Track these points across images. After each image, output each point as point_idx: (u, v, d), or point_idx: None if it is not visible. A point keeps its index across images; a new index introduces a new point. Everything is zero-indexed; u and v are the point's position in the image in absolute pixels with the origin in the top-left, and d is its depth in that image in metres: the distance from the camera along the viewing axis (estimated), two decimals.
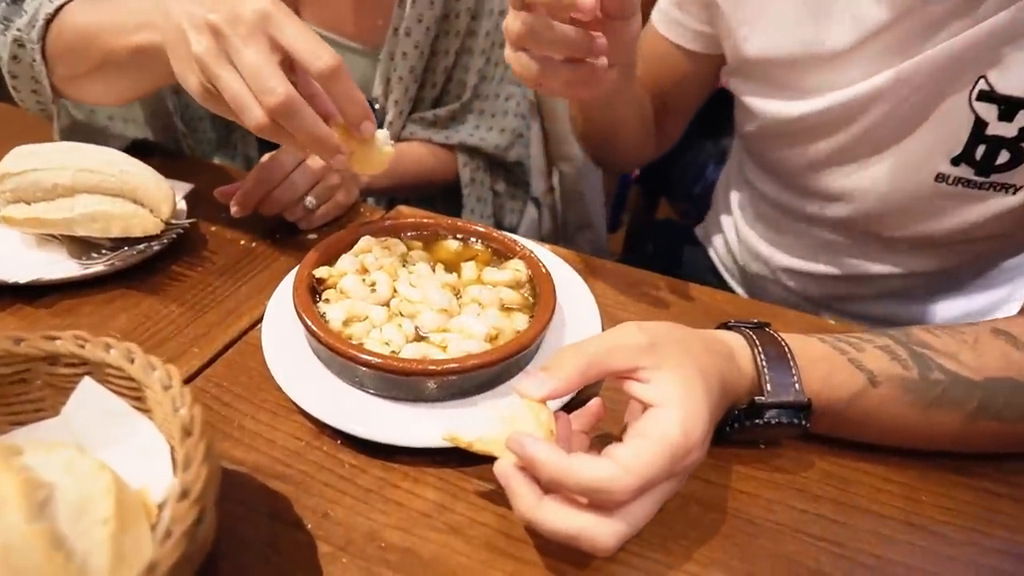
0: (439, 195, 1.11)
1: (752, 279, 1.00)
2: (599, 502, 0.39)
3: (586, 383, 0.46)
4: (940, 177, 0.70)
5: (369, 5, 0.95)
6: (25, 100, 0.79)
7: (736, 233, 1.02)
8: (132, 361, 0.40)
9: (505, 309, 0.61)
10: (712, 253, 1.10)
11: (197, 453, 0.35)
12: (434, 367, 0.51)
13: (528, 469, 0.41)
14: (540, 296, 0.61)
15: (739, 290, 1.05)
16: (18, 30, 0.72)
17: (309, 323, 0.54)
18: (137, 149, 0.92)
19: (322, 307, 0.58)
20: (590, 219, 1.37)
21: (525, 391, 0.45)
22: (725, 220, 1.05)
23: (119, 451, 0.41)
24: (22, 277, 0.63)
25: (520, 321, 0.59)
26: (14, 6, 0.75)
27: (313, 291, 0.60)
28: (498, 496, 0.50)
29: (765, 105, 0.80)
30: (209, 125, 1.04)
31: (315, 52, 0.52)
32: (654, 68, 0.89)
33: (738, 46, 0.78)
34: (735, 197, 1.02)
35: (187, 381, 0.58)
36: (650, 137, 0.92)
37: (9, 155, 0.67)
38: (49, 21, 0.70)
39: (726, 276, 1.08)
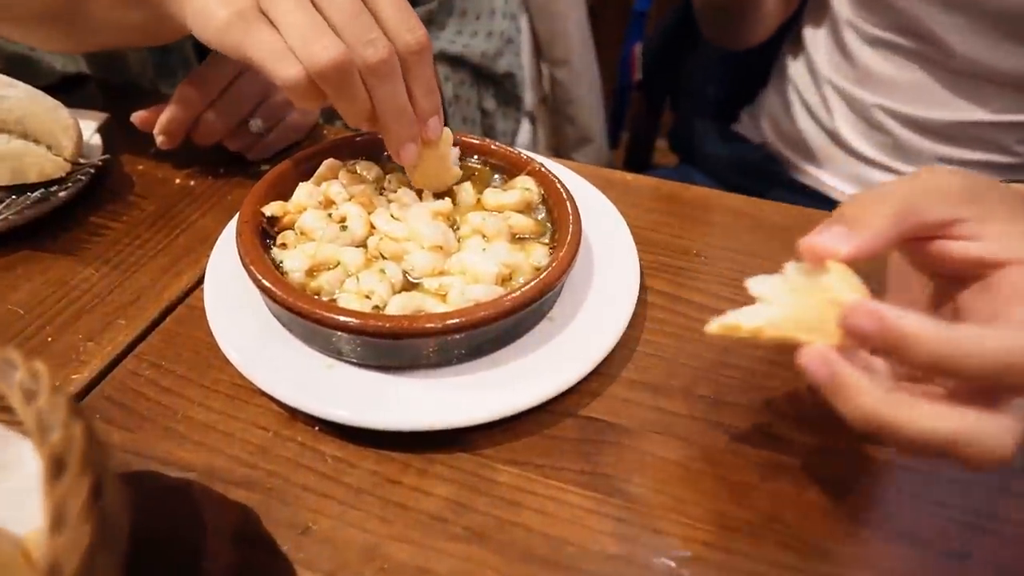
0: None
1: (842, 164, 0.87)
2: (995, 388, 0.29)
3: (900, 239, 0.34)
4: None
5: None
6: None
7: (823, 106, 0.86)
8: None
9: (517, 240, 0.47)
10: (778, 149, 0.95)
11: (75, 499, 0.22)
12: (433, 324, 0.38)
13: (885, 348, 0.30)
14: (559, 220, 0.47)
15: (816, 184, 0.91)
16: None
17: (260, 277, 0.40)
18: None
19: (277, 254, 0.44)
20: (590, 132, 1.22)
21: (825, 247, 0.33)
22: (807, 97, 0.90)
23: None
24: None
25: (538, 253, 0.45)
26: None
27: (265, 235, 0.45)
28: (532, 483, 0.38)
29: None
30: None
31: (407, 22, 0.42)
32: None
33: None
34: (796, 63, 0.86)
35: (115, 363, 0.45)
36: None
37: None
38: None
39: (795, 175, 0.94)
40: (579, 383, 0.42)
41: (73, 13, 0.52)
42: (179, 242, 0.55)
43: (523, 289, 0.41)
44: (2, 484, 0.28)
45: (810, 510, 0.38)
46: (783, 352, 0.46)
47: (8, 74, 0.56)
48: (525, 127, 1.10)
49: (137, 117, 0.60)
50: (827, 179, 0.91)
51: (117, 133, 0.63)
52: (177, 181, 0.62)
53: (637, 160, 1.35)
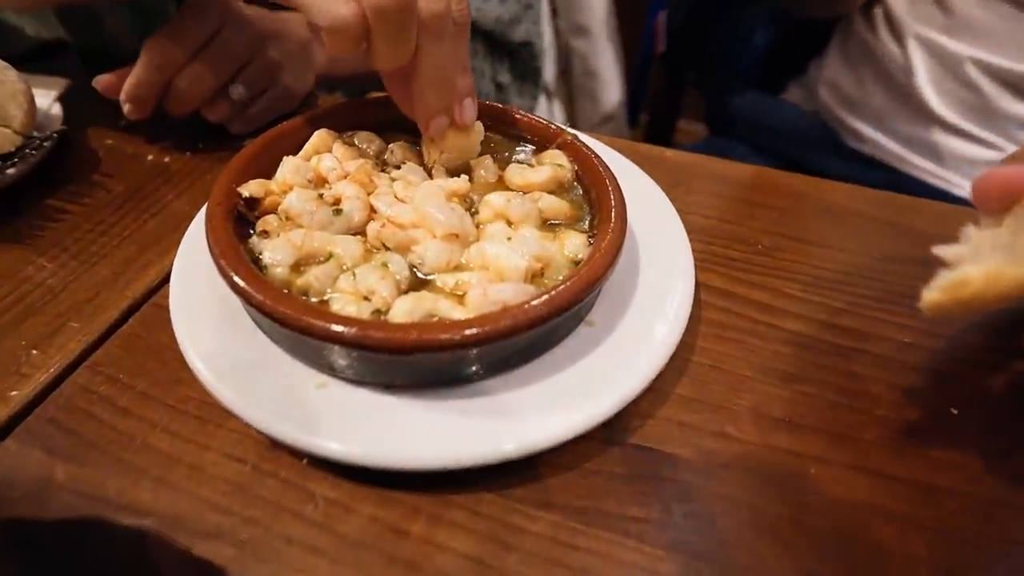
0: None
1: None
2: None
3: None
4: None
5: None
6: None
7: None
8: None
9: (548, 226, 0.39)
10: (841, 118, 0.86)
11: None
12: (449, 335, 0.30)
13: None
14: (599, 201, 0.39)
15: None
16: None
17: (232, 274, 0.32)
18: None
19: (256, 244, 0.36)
20: (610, 108, 1.13)
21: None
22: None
23: None
24: None
25: (575, 243, 0.37)
26: None
27: (242, 221, 0.37)
28: (577, 532, 0.30)
29: None
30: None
31: None
32: None
33: None
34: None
35: (63, 375, 0.37)
36: None
37: None
38: None
39: (856, 144, 0.84)
40: (627, 405, 0.34)
41: None
42: (148, 228, 0.47)
43: (559, 288, 0.32)
44: None
45: (917, 567, 0.30)
46: (872, 363, 0.39)
47: None
48: (542, 104, 1.02)
49: (100, 81, 0.52)
50: (896, 147, 0.82)
51: (83, 103, 0.55)
52: (149, 158, 0.54)
53: (658, 140, 1.26)
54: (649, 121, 1.38)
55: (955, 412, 0.37)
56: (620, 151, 0.50)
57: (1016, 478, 0.33)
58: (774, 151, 0.90)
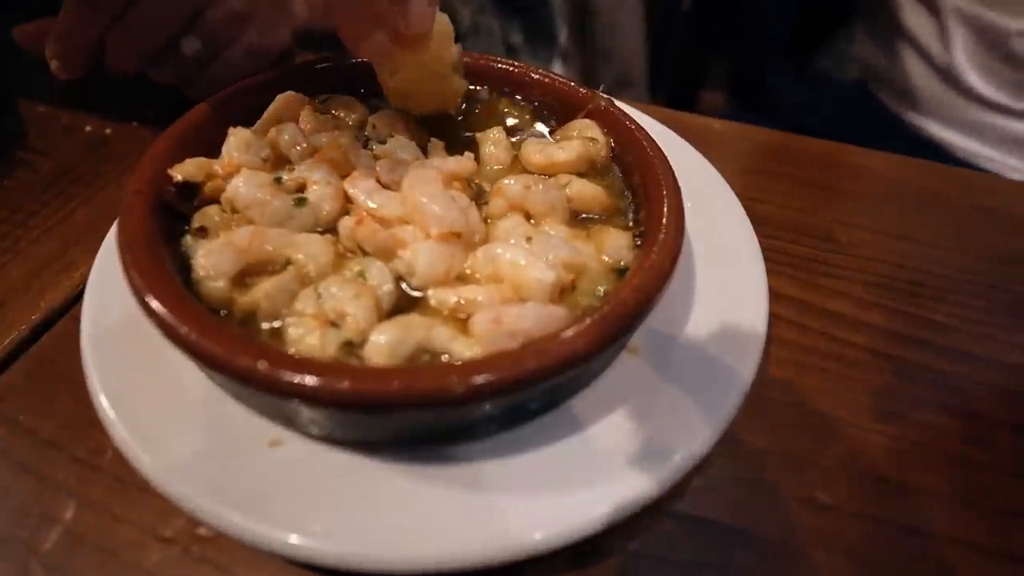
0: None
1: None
2: None
3: None
4: None
5: None
6: None
7: None
8: None
9: (580, 221, 0.30)
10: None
11: None
12: (451, 385, 0.21)
13: None
14: (645, 187, 0.30)
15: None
16: None
17: (146, 294, 0.23)
18: None
19: (190, 246, 0.27)
20: (630, 72, 1.02)
21: None
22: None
23: None
24: None
25: (616, 243, 0.28)
26: None
27: (174, 215, 0.28)
28: None
29: None
30: None
31: None
32: None
33: None
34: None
35: None
36: None
37: None
38: None
39: (894, 120, 0.76)
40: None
41: None
42: (77, 219, 0.38)
43: (603, 313, 0.23)
44: None
45: None
46: (996, 398, 0.30)
47: None
48: (557, 68, 0.91)
49: (19, 31, 0.42)
50: (934, 128, 0.74)
51: (7, 61, 0.45)
52: (87, 129, 0.44)
53: (682, 107, 1.16)
54: (672, 85, 1.27)
55: None
56: (660, 120, 0.40)
57: None
58: (808, 128, 0.82)
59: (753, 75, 0.91)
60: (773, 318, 0.33)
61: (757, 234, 0.34)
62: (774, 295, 0.34)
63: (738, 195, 0.36)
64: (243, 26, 0.46)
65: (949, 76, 0.72)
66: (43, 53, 0.42)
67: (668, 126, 0.40)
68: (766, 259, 0.35)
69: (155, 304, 0.23)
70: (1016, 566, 0.25)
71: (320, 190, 0.28)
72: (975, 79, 0.70)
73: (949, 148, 0.75)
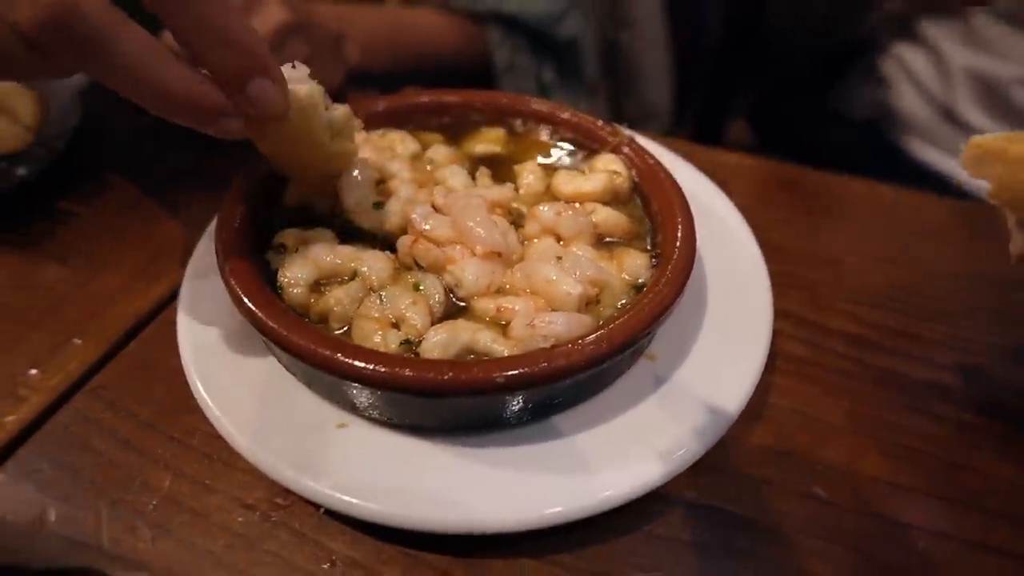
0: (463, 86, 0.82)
1: None
2: None
3: None
4: None
5: None
6: None
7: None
8: None
9: (604, 244, 0.34)
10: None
11: None
12: (491, 376, 0.25)
13: None
14: (662, 214, 0.34)
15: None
16: None
17: (242, 295, 0.28)
18: None
19: (273, 260, 0.32)
20: (655, 105, 1.07)
21: None
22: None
23: None
24: None
25: (635, 263, 0.32)
26: None
27: (259, 234, 0.33)
28: None
29: None
30: None
31: None
32: None
33: None
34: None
35: (63, 399, 0.34)
36: None
37: None
38: None
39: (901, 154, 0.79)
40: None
41: None
42: (163, 234, 0.43)
43: (621, 321, 0.27)
44: None
45: None
46: (990, 411, 0.33)
47: None
48: (584, 101, 0.96)
49: None
50: (937, 159, 0.77)
51: (102, 95, 0.52)
52: (167, 156, 0.50)
53: (707, 141, 1.20)
54: (698, 117, 1.31)
55: None
56: (680, 154, 0.44)
57: None
58: (823, 159, 0.85)
59: (773, 110, 0.95)
60: (779, 333, 0.37)
61: (767, 259, 0.38)
62: (782, 313, 0.38)
63: (750, 223, 0.40)
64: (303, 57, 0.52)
65: (951, 114, 0.75)
66: None
67: (687, 159, 0.44)
68: (775, 282, 0.38)
69: (250, 305, 0.27)
70: (999, 558, 0.28)
71: (398, 204, 0.33)
72: (975, 117, 0.74)
73: (951, 178, 0.77)
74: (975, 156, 0.27)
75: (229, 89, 0.27)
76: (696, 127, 1.26)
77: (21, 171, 0.44)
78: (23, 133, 0.44)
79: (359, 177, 0.33)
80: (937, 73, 0.77)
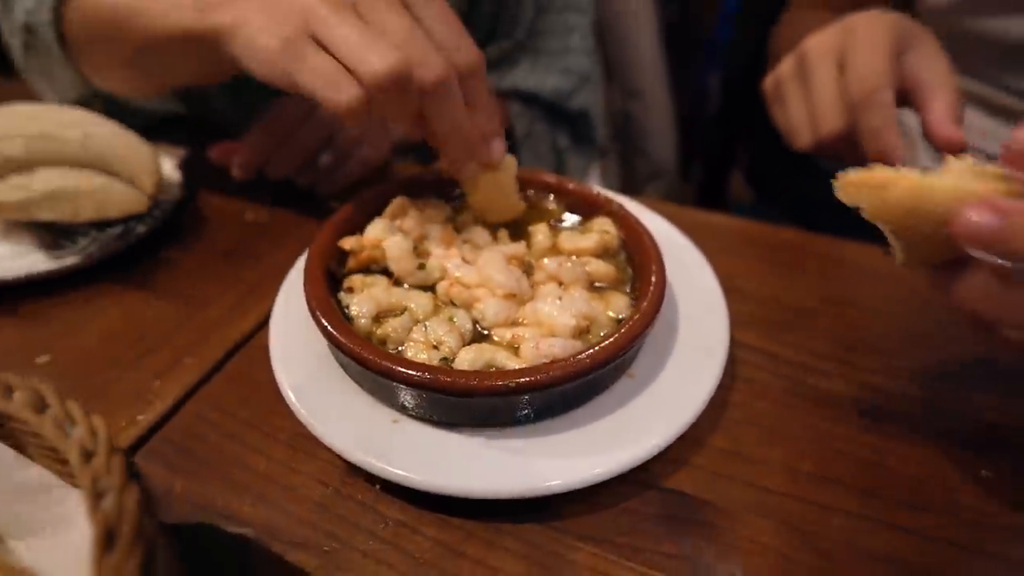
0: None
1: None
2: None
3: None
4: None
5: None
6: (42, 91, 0.65)
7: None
8: (42, 410, 0.26)
9: (595, 288, 0.44)
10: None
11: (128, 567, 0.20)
12: (505, 382, 0.35)
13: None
14: (641, 266, 0.44)
15: None
16: (26, 12, 0.57)
17: (325, 323, 0.38)
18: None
19: (344, 298, 0.42)
20: (662, 165, 1.18)
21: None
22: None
23: (42, 541, 0.27)
24: None
25: (619, 303, 0.42)
26: None
27: (332, 278, 0.44)
28: (615, 564, 0.34)
29: None
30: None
31: (456, 39, 0.41)
32: None
33: None
34: None
35: (180, 403, 0.44)
36: None
37: None
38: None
39: None
40: (664, 450, 0.38)
41: (140, 60, 0.52)
42: (249, 277, 0.55)
43: (603, 344, 0.37)
44: (61, 538, 0.27)
45: None
46: (906, 426, 0.41)
47: (109, 116, 0.58)
48: (597, 164, 1.07)
49: (214, 151, 0.61)
50: None
51: (197, 168, 0.64)
52: (248, 216, 0.62)
53: (711, 195, 1.30)
54: (703, 174, 1.41)
55: (987, 475, 0.38)
56: (667, 216, 0.54)
57: None
58: (809, 217, 0.94)
59: (768, 167, 1.05)
60: (743, 362, 0.46)
61: (736, 302, 0.47)
62: (745, 347, 0.47)
63: (722, 274, 0.49)
64: (359, 144, 0.64)
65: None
66: (227, 164, 0.61)
67: (671, 220, 0.54)
68: (742, 321, 0.48)
69: (331, 329, 0.38)
70: (895, 531, 0.36)
71: (436, 262, 0.44)
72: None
73: None
74: (844, 188, 0.34)
75: (483, 142, 0.44)
76: (701, 183, 1.37)
77: (140, 229, 0.55)
78: (144, 200, 0.56)
79: (400, 252, 0.43)
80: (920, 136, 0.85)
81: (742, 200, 1.20)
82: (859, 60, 0.47)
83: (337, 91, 0.38)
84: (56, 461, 0.28)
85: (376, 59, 0.37)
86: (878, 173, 0.33)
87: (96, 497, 0.23)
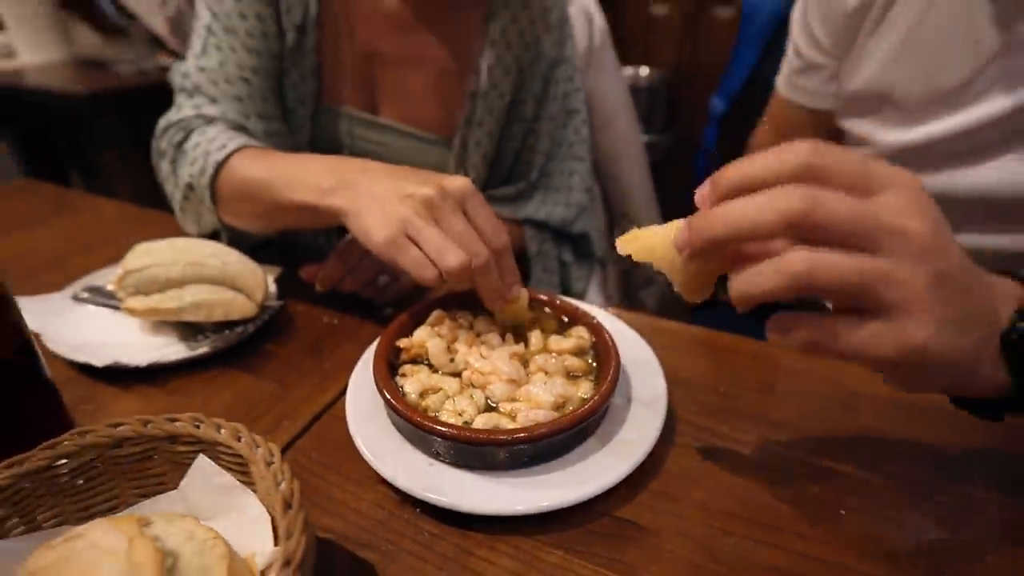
0: None
1: None
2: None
3: None
4: None
5: (442, 100, 1.02)
6: (188, 227, 0.91)
7: None
8: (239, 439, 0.45)
9: (571, 377, 0.63)
10: None
11: (297, 524, 0.39)
12: (504, 437, 0.53)
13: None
14: (604, 363, 0.63)
15: None
16: (190, 176, 0.84)
17: (388, 397, 0.58)
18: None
19: (399, 381, 0.62)
20: (652, 274, 1.38)
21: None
22: None
23: (228, 521, 0.46)
24: (142, 361, 0.71)
25: (586, 388, 0.61)
26: (179, 150, 0.87)
27: (391, 367, 0.64)
28: (574, 563, 0.51)
29: (875, 133, 0.82)
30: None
31: (495, 231, 0.64)
32: (784, 132, 0.98)
33: (853, 81, 0.83)
34: None
35: (284, 450, 0.63)
36: None
37: (130, 253, 0.76)
38: (218, 168, 0.81)
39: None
40: (614, 489, 0.55)
41: (269, 215, 0.77)
42: (325, 366, 0.75)
43: (573, 414, 0.56)
44: (240, 518, 0.45)
45: None
46: (791, 477, 0.58)
47: (230, 244, 0.82)
48: (597, 272, 1.29)
49: (304, 271, 0.83)
50: None
51: (289, 282, 0.87)
52: (325, 319, 0.83)
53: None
54: None
55: (844, 513, 0.55)
56: (637, 325, 0.74)
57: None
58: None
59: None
60: (681, 432, 0.63)
61: (677, 387, 0.66)
62: (683, 421, 0.65)
63: (669, 365, 0.68)
64: (405, 272, 0.86)
65: None
66: (312, 280, 0.83)
67: (634, 328, 0.74)
68: (681, 402, 0.66)
69: (392, 400, 0.57)
70: (786, 553, 0.52)
71: (462, 356, 0.63)
72: None
73: None
74: (619, 246, 0.49)
75: (507, 288, 0.65)
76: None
77: (251, 328, 0.77)
78: (255, 307, 0.78)
79: (437, 350, 0.64)
80: None
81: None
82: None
83: (424, 273, 0.62)
84: (241, 473, 0.47)
85: (451, 258, 0.61)
86: (630, 234, 0.48)
87: (276, 484, 0.42)
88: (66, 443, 0.45)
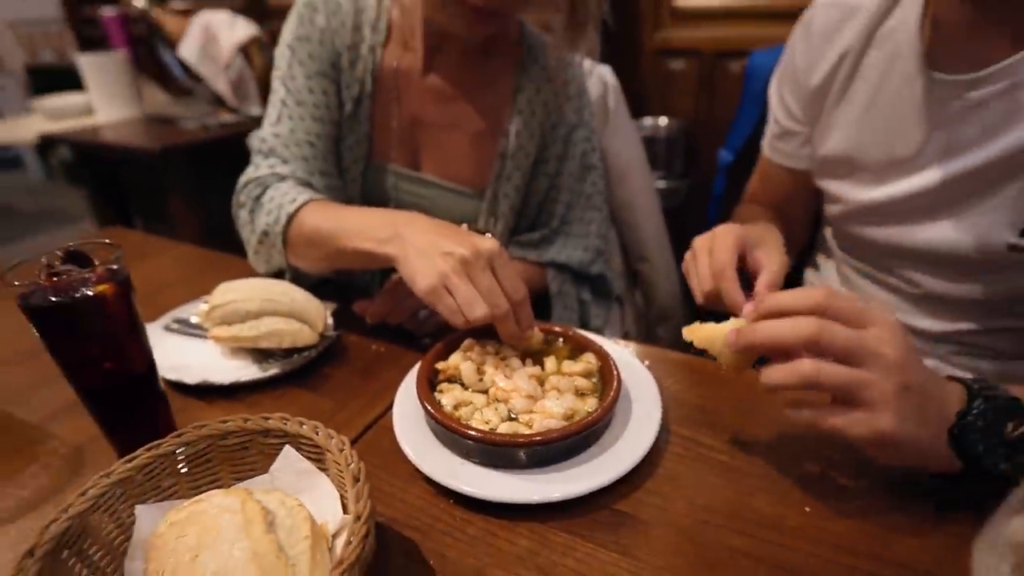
0: (533, 304, 1.28)
1: None
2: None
3: None
4: (1012, 247, 0.79)
5: (476, 160, 1.13)
6: (258, 266, 1.08)
7: None
8: (317, 433, 0.59)
9: (579, 394, 0.75)
10: None
11: (364, 492, 0.52)
12: (523, 440, 0.66)
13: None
14: (607, 383, 0.75)
15: None
16: (266, 224, 1.00)
17: (429, 408, 0.71)
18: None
19: (437, 396, 0.75)
20: (668, 311, 1.50)
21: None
22: None
23: (307, 496, 0.59)
24: (225, 380, 0.86)
25: (592, 403, 0.73)
26: (257, 203, 1.04)
27: (430, 385, 0.77)
28: (578, 544, 0.62)
29: (845, 192, 0.96)
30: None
31: (515, 287, 0.77)
32: (770, 187, 1.10)
33: (824, 147, 0.97)
34: (815, 276, 1.14)
35: None
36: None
37: (217, 290, 0.92)
38: (290, 218, 0.97)
39: None
40: (613, 485, 0.67)
41: (332, 258, 0.93)
42: (374, 387, 0.89)
43: (579, 423, 0.68)
44: (311, 495, 0.59)
45: None
46: (770, 483, 0.68)
47: (293, 282, 0.97)
48: (615, 310, 1.41)
49: (357, 306, 0.98)
50: None
51: (344, 316, 1.02)
52: (373, 347, 0.98)
53: None
54: (702, 319, 1.70)
55: (808, 511, 0.65)
56: (636, 353, 0.86)
57: None
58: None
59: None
60: (672, 443, 0.75)
61: (672, 406, 0.77)
62: (676, 435, 0.76)
63: (666, 388, 0.79)
64: None
65: None
66: (363, 314, 0.98)
67: (637, 356, 0.86)
68: (675, 418, 0.77)
69: (433, 411, 0.70)
70: (744, 538, 0.63)
71: (488, 376, 0.76)
72: None
73: None
74: (685, 335, 0.67)
75: (523, 330, 0.78)
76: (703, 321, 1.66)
77: (312, 354, 0.91)
78: (316, 336, 0.92)
79: (469, 372, 0.77)
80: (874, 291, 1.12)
81: None
82: (716, 251, 0.80)
83: (455, 320, 0.75)
84: (317, 461, 0.60)
85: (477, 311, 0.75)
86: (694, 326, 0.66)
87: (347, 465, 0.55)
88: (188, 433, 0.59)
